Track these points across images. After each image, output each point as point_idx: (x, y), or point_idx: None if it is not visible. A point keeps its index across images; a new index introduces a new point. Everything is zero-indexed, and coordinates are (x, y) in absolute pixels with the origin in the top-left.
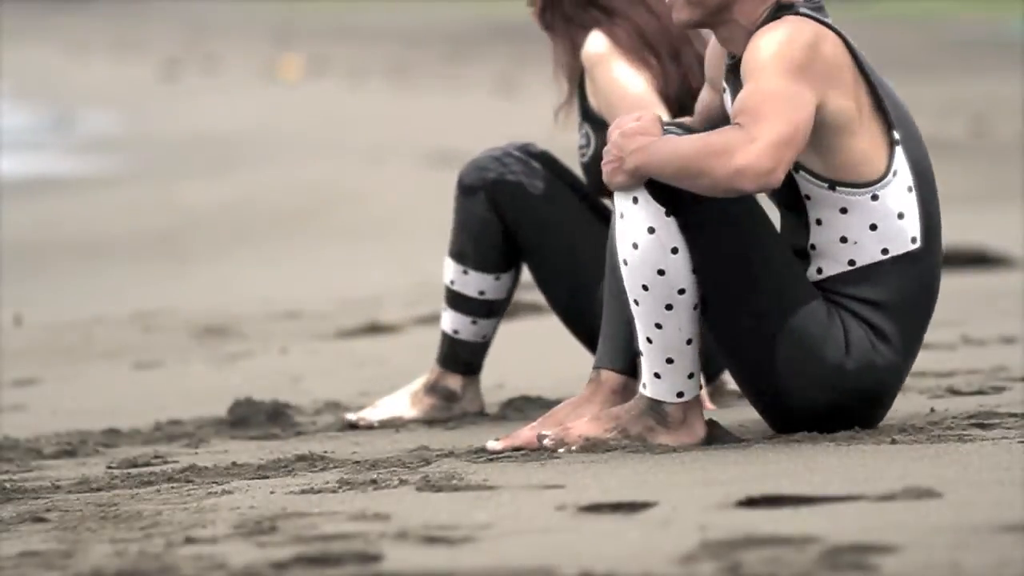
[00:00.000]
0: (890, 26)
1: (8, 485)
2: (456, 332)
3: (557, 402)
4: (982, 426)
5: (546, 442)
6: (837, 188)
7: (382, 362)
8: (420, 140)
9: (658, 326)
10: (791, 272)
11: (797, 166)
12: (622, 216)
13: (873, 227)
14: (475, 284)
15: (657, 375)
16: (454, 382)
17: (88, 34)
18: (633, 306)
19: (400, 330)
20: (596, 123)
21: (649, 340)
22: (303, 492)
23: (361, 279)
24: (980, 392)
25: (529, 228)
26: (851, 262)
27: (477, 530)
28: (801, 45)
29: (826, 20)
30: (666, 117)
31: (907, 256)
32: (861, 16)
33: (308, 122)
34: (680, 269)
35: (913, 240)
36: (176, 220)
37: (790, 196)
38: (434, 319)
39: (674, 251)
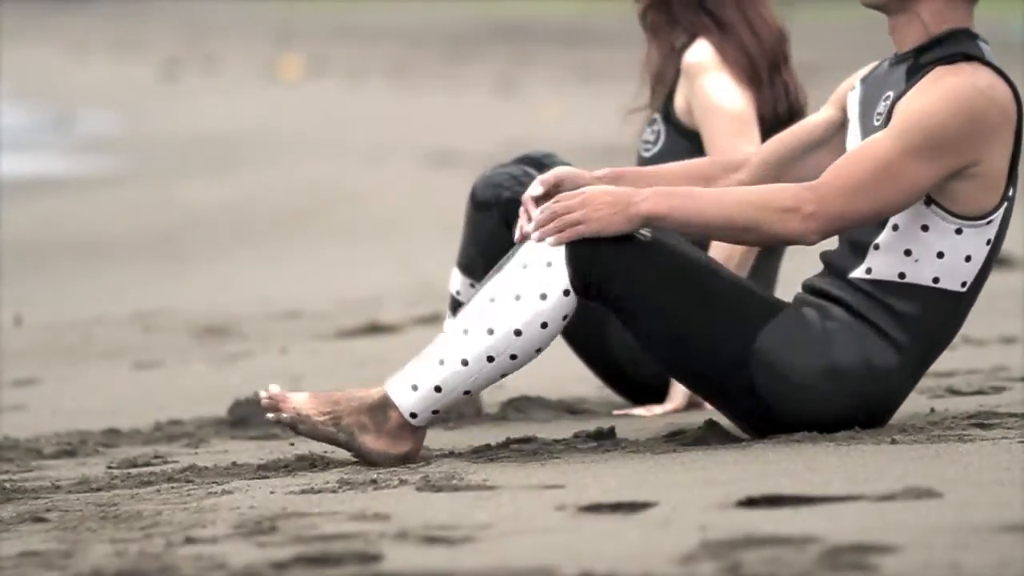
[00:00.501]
0: None
1: (8, 485)
2: None
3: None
4: (982, 426)
5: (263, 401)
6: (932, 206)
7: (382, 362)
8: (420, 140)
9: (490, 359)
10: (738, 302)
11: None
12: (525, 267)
13: (940, 255)
14: None
15: (415, 387)
16: None
17: (88, 34)
18: (480, 329)
19: (400, 330)
20: (675, 126)
21: (464, 362)
22: (303, 492)
23: (361, 279)
24: (980, 392)
25: None
26: (902, 275)
27: (477, 530)
28: (970, 114)
29: (1002, 69)
30: (755, 142)
31: (952, 294)
32: (861, 16)
33: (308, 122)
34: (545, 342)
35: (963, 284)
36: (176, 220)
37: None
38: (434, 319)
39: (560, 320)
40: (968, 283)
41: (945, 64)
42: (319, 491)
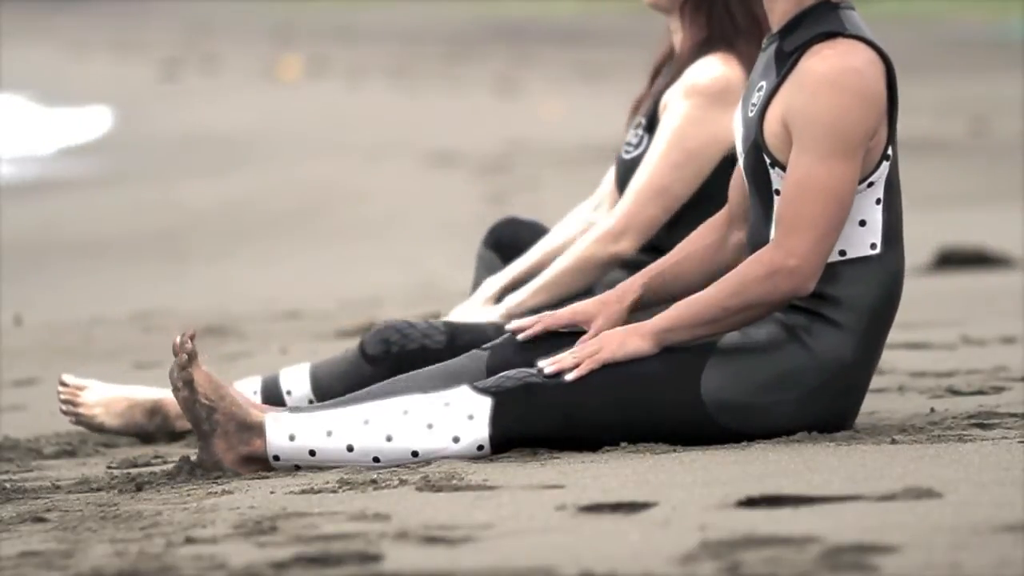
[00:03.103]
0: (890, 26)
1: (8, 485)
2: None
3: None
4: (982, 426)
5: (179, 340)
6: None
7: None
8: (420, 140)
9: (375, 459)
10: (662, 372)
11: (774, 162)
12: (447, 405)
13: None
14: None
15: (292, 437)
16: (181, 425)
17: (88, 34)
18: (381, 430)
19: None
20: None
21: (350, 448)
22: (303, 492)
23: (361, 279)
24: (980, 392)
25: None
26: None
27: (477, 530)
28: (858, 98)
29: (870, 39)
30: (689, 181)
31: (865, 260)
32: (861, 16)
33: (308, 122)
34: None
35: (872, 246)
36: (176, 220)
37: (763, 188)
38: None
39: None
40: (877, 244)
41: (812, 45)
42: (319, 491)
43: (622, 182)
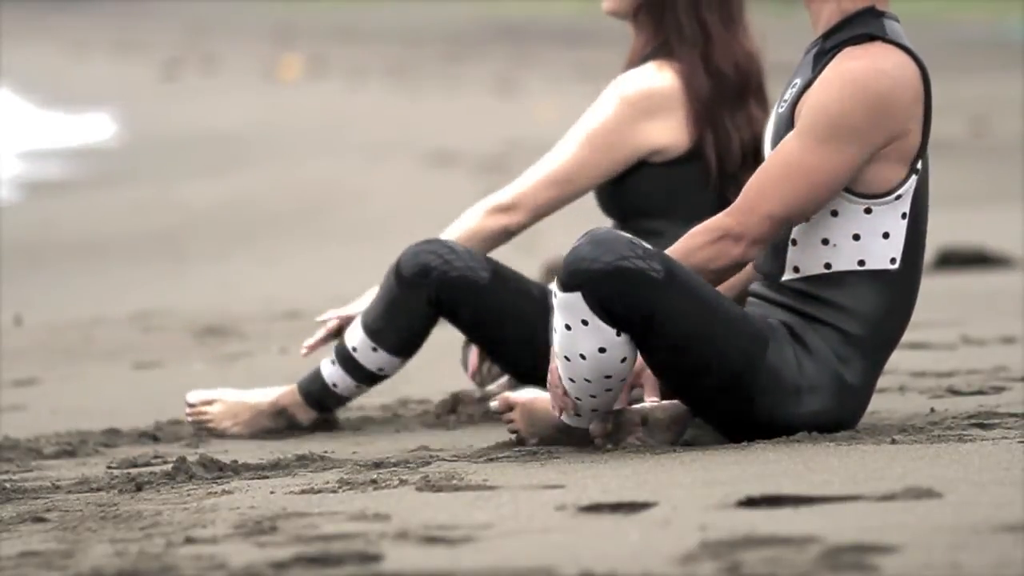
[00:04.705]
0: None
1: (8, 485)
2: (335, 386)
3: None
4: (982, 426)
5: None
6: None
7: None
8: (420, 140)
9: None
10: (745, 328)
11: None
12: (569, 328)
13: (856, 237)
14: (379, 362)
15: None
16: (306, 417)
17: (88, 34)
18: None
19: None
20: None
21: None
22: (303, 492)
23: (361, 279)
24: (980, 392)
25: (484, 323)
26: (827, 265)
27: (477, 530)
28: (875, 97)
29: (908, 47)
30: (590, 183)
31: (884, 273)
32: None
33: (308, 122)
34: (626, 369)
35: (892, 260)
36: (176, 220)
37: None
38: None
39: (623, 360)
40: (897, 259)
41: (849, 46)
42: (319, 491)
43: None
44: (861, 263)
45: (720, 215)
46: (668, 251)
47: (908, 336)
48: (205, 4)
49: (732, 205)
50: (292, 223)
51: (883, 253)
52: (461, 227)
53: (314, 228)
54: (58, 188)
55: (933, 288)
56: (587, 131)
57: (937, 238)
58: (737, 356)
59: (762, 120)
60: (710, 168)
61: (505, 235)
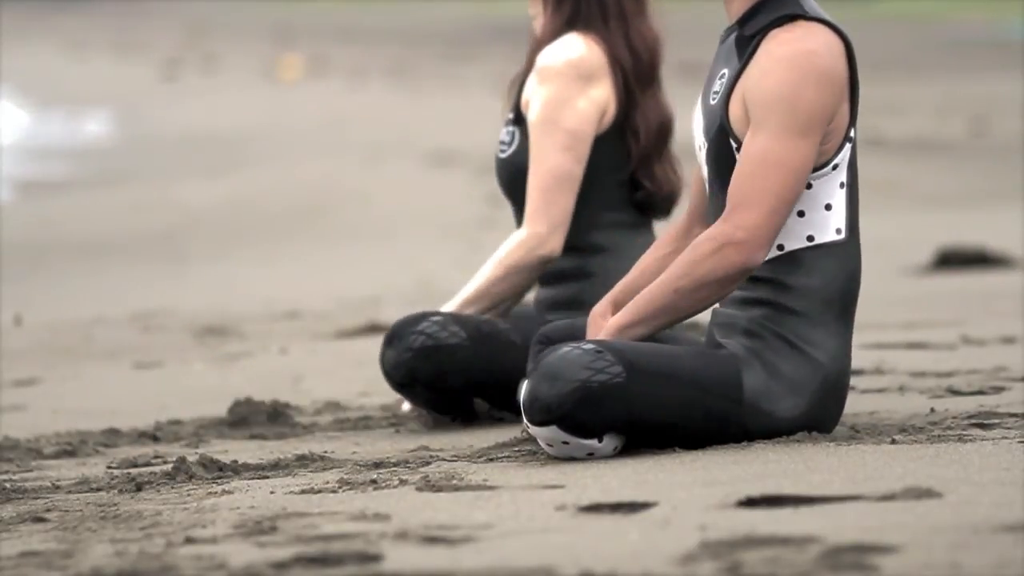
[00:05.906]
0: (890, 26)
1: (8, 485)
2: None
3: None
4: (982, 426)
5: None
6: None
7: None
8: (420, 140)
9: None
10: (713, 371)
11: (740, 147)
12: (551, 446)
13: (801, 214)
14: None
15: None
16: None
17: (88, 34)
18: None
19: None
20: (524, 127)
21: None
22: (303, 492)
23: (361, 279)
24: (980, 392)
25: (477, 385)
26: (780, 247)
27: (477, 530)
28: (821, 77)
29: (830, 20)
30: (582, 159)
31: (833, 245)
32: (861, 16)
33: (308, 122)
34: (617, 450)
35: (838, 231)
36: (176, 220)
37: (728, 176)
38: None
39: (614, 448)
40: (842, 228)
41: (772, 29)
42: (319, 491)
43: (503, 182)
44: (810, 239)
45: (717, 223)
46: (671, 267)
47: (908, 336)
48: (205, 4)
49: (725, 212)
50: (292, 223)
51: (828, 225)
52: (499, 264)
53: (314, 228)
54: (58, 188)
55: (933, 288)
56: (546, 124)
57: (937, 238)
58: (719, 402)
59: (666, 106)
60: (630, 145)
61: (546, 264)
